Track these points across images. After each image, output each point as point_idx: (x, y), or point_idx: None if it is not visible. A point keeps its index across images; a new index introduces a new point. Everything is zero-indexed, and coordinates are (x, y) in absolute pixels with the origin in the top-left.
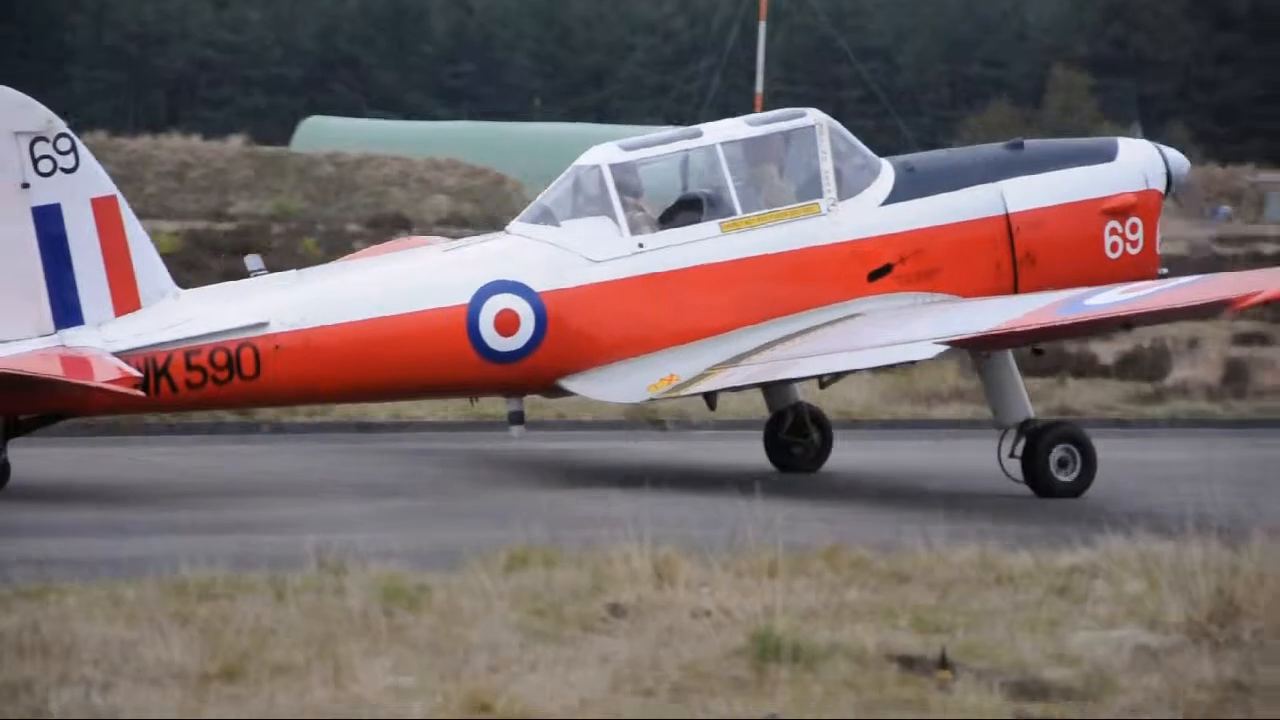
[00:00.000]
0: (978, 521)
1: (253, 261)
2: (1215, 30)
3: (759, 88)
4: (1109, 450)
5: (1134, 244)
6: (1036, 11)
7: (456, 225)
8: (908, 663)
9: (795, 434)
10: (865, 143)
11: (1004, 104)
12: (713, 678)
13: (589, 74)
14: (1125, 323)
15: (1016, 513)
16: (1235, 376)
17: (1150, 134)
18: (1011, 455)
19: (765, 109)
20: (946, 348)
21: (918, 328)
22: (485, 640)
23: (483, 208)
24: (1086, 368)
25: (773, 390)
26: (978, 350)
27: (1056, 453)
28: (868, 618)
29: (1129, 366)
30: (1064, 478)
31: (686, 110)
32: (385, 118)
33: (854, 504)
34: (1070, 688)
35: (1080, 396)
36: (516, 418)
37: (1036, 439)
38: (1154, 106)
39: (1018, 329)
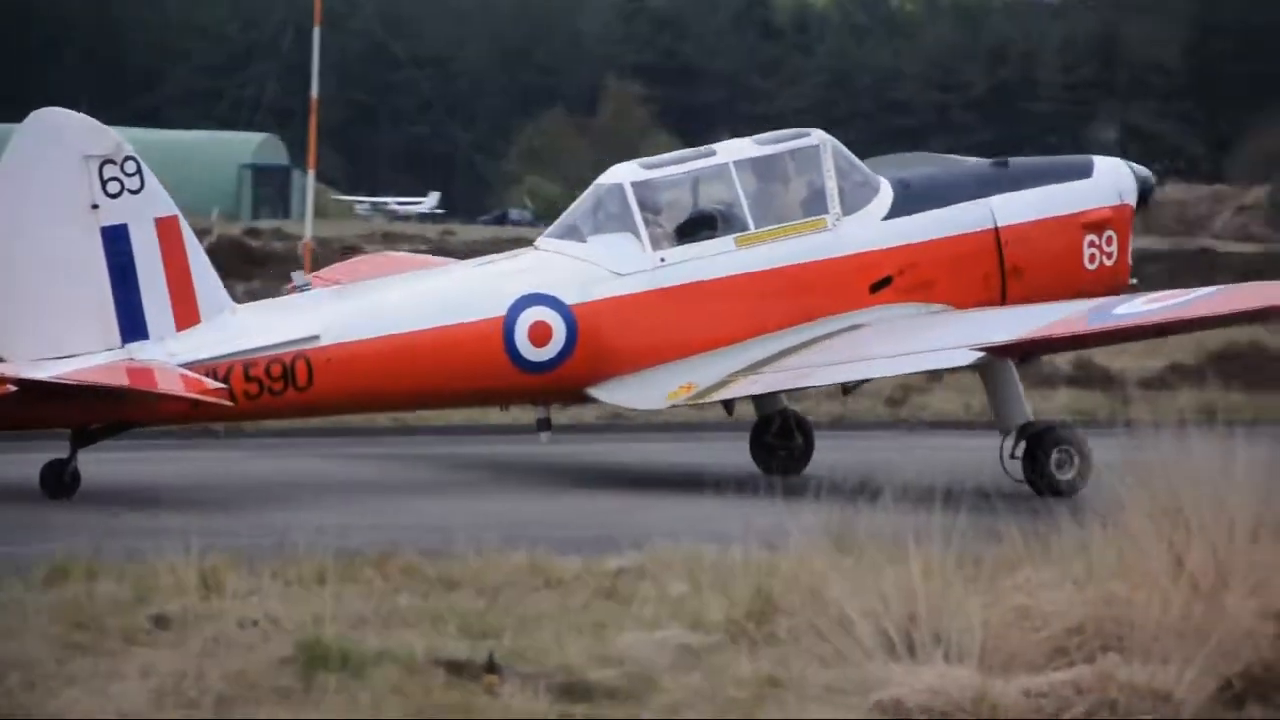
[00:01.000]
0: (530, 525)
1: (299, 278)
2: (760, 41)
3: (314, 93)
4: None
5: (1109, 256)
6: (590, 21)
7: None
8: (455, 668)
9: (781, 438)
10: (424, 151)
11: (560, 113)
12: (259, 687)
13: (140, 77)
14: (1161, 330)
15: (566, 517)
16: None
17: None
18: (1012, 456)
19: (320, 115)
20: (983, 354)
21: (949, 335)
22: (21, 656)
23: None
24: None
25: (762, 397)
26: (1013, 358)
27: (1056, 454)
28: (417, 624)
29: None
30: (1063, 476)
31: (241, 116)
32: None
33: (408, 510)
34: (614, 688)
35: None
36: (544, 424)
37: (1037, 441)
38: (704, 116)
39: (1058, 335)
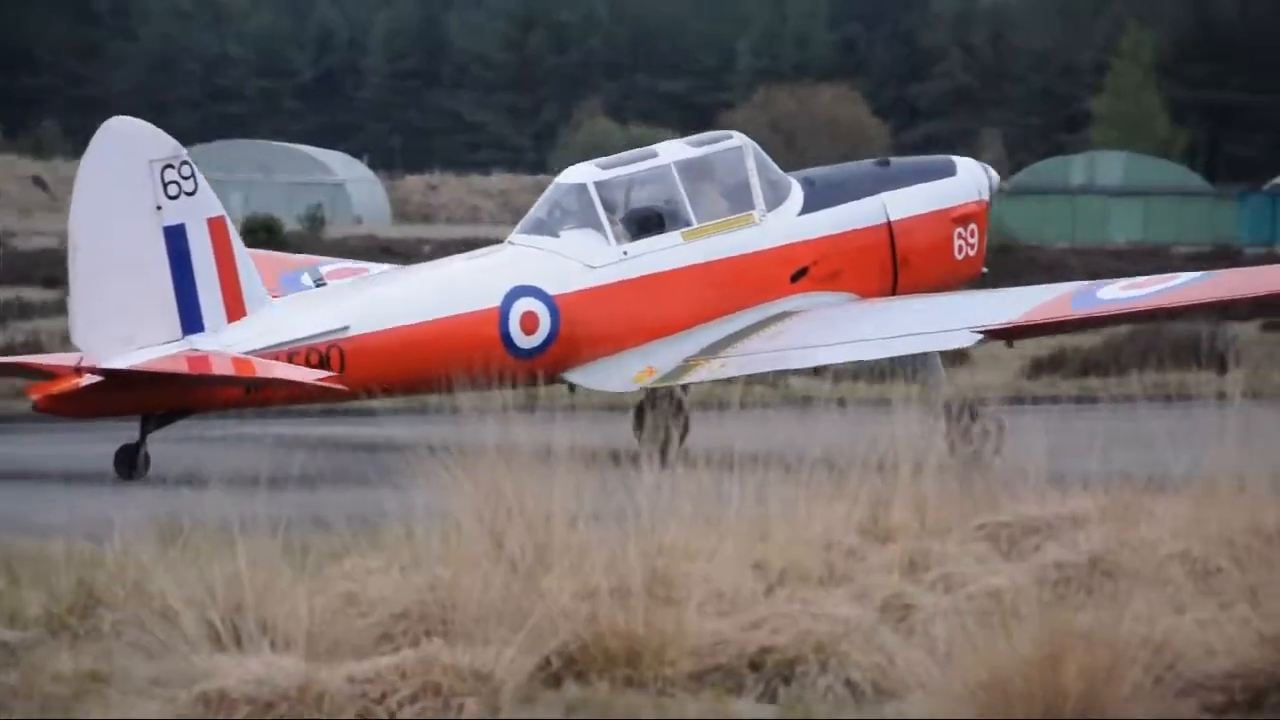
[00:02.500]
0: None
1: (313, 272)
2: (79, 24)
3: None
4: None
5: (972, 248)
6: None
7: None
8: None
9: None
10: None
11: None
12: None
13: None
14: (1170, 314)
15: None
16: None
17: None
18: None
19: None
20: (982, 336)
21: (943, 317)
22: None
23: None
24: None
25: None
26: (1009, 339)
27: (978, 426)
28: None
29: None
30: (984, 446)
31: None
32: None
33: None
34: None
35: None
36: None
37: (963, 415)
38: (26, 102)
39: (1071, 318)
